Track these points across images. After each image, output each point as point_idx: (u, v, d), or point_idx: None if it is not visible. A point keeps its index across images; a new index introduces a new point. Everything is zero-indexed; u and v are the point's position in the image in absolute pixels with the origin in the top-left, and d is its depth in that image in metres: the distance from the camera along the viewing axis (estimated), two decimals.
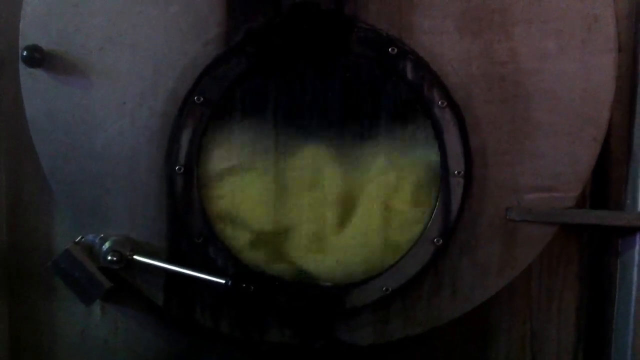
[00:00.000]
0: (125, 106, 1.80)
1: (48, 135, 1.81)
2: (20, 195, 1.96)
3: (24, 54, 1.73)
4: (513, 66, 1.78)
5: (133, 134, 1.81)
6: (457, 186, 1.81)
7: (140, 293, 1.89)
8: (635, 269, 1.88)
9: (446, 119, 1.79)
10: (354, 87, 1.82)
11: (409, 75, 1.78)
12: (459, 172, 1.81)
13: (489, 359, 2.03)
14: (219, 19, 1.76)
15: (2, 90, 1.90)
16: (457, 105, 1.79)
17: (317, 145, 1.85)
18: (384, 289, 1.86)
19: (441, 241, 1.84)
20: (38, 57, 1.73)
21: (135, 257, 1.82)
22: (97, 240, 1.83)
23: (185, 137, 1.80)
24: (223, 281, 1.81)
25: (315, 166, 1.86)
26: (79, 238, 1.84)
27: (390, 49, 1.77)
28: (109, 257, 1.80)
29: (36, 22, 1.76)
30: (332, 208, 1.87)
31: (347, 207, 1.88)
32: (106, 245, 1.82)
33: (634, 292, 1.88)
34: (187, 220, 1.84)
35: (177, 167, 1.81)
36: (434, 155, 1.82)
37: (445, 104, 1.78)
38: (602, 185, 1.92)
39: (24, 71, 1.77)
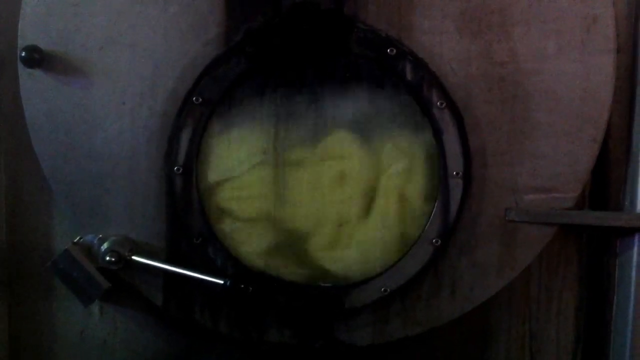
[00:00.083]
0: (124, 106, 1.80)
1: (47, 135, 1.81)
2: (20, 195, 1.96)
3: (23, 54, 1.73)
4: (512, 66, 1.77)
5: (133, 134, 1.81)
6: (456, 187, 1.81)
7: (139, 293, 1.89)
8: (634, 269, 1.88)
9: (445, 119, 1.79)
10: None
11: (408, 75, 1.78)
12: (458, 173, 1.81)
13: (488, 359, 2.03)
14: (218, 19, 1.76)
15: (2, 91, 1.91)
16: (456, 106, 1.79)
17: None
18: (383, 289, 1.86)
19: (440, 242, 1.84)
20: (37, 58, 1.73)
21: (134, 257, 1.82)
22: (95, 241, 1.84)
23: (185, 137, 1.80)
24: (222, 281, 1.80)
25: (316, 165, 1.86)
26: (77, 238, 1.84)
27: (389, 50, 1.77)
28: (108, 258, 1.80)
29: (35, 22, 1.76)
30: (332, 207, 1.88)
31: (346, 206, 1.88)
32: (105, 245, 1.82)
33: (632, 293, 1.88)
34: (187, 221, 1.84)
35: (176, 167, 1.81)
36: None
37: (445, 104, 1.78)
38: (601, 185, 1.92)
39: (23, 71, 1.77)
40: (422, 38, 1.77)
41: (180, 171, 1.82)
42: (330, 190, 1.87)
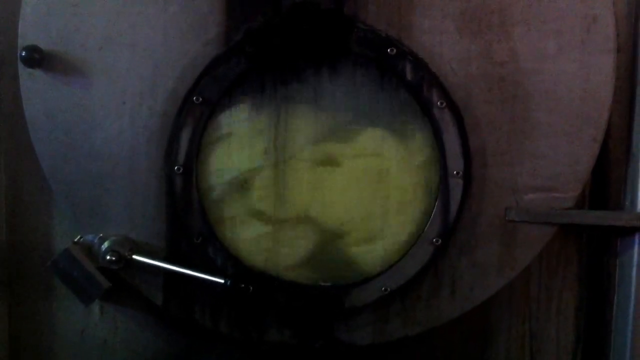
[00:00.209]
0: (124, 106, 1.80)
1: (47, 135, 1.81)
2: (20, 195, 1.97)
3: (23, 54, 1.73)
4: (512, 66, 1.77)
5: (132, 134, 1.81)
6: (456, 186, 1.81)
7: (140, 293, 1.89)
8: (634, 269, 1.88)
9: (445, 119, 1.79)
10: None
11: (408, 75, 1.78)
12: (458, 173, 1.81)
13: (488, 359, 2.03)
14: (218, 19, 1.76)
15: (2, 90, 1.91)
16: (456, 106, 1.79)
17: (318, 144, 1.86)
18: (383, 289, 1.86)
19: (440, 241, 1.84)
20: (37, 58, 1.73)
21: (134, 257, 1.82)
22: (96, 240, 1.84)
23: (185, 137, 1.80)
24: (222, 281, 1.81)
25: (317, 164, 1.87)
26: (77, 238, 1.84)
27: (389, 50, 1.77)
28: (108, 257, 1.80)
29: (35, 22, 1.76)
30: (331, 205, 1.88)
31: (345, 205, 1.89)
32: (105, 245, 1.82)
33: (633, 292, 1.88)
34: (187, 220, 1.84)
35: (176, 167, 1.81)
36: None
37: (445, 104, 1.78)
38: (601, 185, 1.92)
39: (23, 71, 1.77)
40: (422, 38, 1.77)
41: (180, 171, 1.82)
42: (364, 187, 1.87)
